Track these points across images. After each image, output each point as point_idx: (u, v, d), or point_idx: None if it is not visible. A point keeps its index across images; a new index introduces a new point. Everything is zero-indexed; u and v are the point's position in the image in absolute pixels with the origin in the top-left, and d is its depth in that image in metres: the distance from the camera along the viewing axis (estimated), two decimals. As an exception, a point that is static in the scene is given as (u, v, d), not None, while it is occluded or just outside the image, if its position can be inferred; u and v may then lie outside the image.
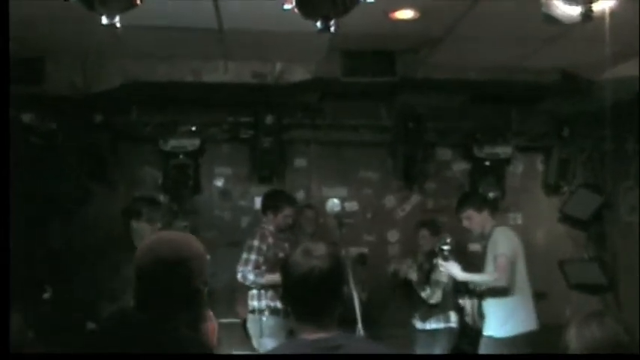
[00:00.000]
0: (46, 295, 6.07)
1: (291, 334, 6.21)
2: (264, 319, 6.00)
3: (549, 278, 7.01)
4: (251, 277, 5.94)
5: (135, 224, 5.63)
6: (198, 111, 7.13)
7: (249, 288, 6.08)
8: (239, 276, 6.00)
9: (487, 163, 7.39)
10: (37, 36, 5.31)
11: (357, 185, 7.64)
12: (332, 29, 3.75)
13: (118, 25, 3.60)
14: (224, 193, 7.49)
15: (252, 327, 6.10)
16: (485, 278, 5.66)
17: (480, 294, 5.81)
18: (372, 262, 7.19)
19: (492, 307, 5.66)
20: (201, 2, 4.75)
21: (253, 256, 5.99)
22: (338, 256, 2.57)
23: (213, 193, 7.49)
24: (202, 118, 7.15)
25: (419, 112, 7.14)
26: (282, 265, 2.59)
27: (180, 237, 2.55)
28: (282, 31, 5.20)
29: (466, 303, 6.15)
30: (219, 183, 7.51)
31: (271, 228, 6.19)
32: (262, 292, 6.03)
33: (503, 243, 5.59)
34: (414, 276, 6.43)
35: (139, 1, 3.61)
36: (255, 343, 6.08)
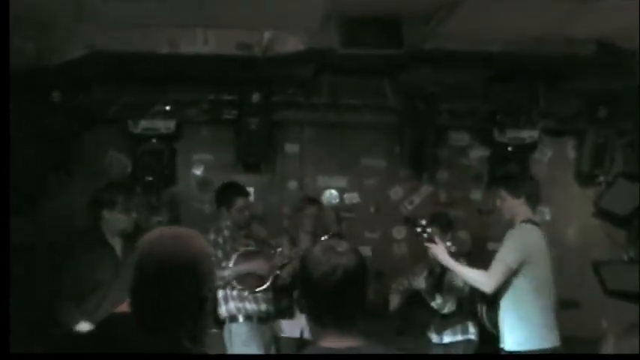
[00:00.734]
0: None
1: (273, 341, 6.26)
2: (233, 326, 6.14)
3: (582, 284, 7.07)
4: None
5: (107, 215, 5.62)
6: (174, 88, 7.11)
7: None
8: None
9: (509, 149, 7.40)
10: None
11: (359, 174, 7.66)
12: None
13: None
14: (204, 182, 7.50)
15: (225, 336, 6.20)
16: (472, 275, 5.60)
17: (492, 300, 5.75)
18: (376, 263, 7.15)
19: (507, 318, 5.61)
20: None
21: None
22: (361, 253, 2.62)
23: (191, 183, 7.52)
24: (179, 95, 7.14)
25: (430, 90, 7.14)
26: (300, 263, 2.64)
27: (189, 234, 2.54)
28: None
29: (480, 310, 6.10)
30: (198, 171, 7.54)
31: (228, 223, 6.34)
32: (228, 292, 6.15)
33: (512, 248, 5.52)
34: (422, 283, 6.37)
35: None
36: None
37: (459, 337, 6.32)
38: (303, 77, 7.14)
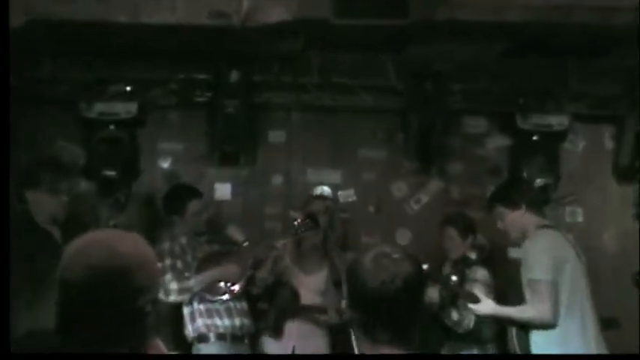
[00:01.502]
0: None
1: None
2: (202, 347, 6.13)
3: (622, 298, 7.04)
4: (173, 285, 6.03)
5: (31, 196, 5.51)
6: (135, 64, 7.15)
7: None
8: (160, 294, 5.99)
9: (535, 138, 7.38)
10: None
11: (355, 167, 7.71)
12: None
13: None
14: (171, 176, 7.49)
15: None
16: (527, 314, 5.58)
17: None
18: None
19: (540, 341, 5.57)
20: None
21: (168, 261, 6.11)
22: (418, 259, 2.78)
23: (156, 177, 7.53)
24: (141, 74, 7.18)
25: (439, 68, 7.15)
26: (349, 273, 2.79)
27: (122, 237, 2.54)
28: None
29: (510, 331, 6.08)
30: (164, 163, 7.57)
31: (185, 231, 6.38)
32: (195, 307, 6.16)
33: (537, 260, 5.49)
34: (435, 296, 6.27)
35: None
36: None
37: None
38: (290, 52, 7.12)
